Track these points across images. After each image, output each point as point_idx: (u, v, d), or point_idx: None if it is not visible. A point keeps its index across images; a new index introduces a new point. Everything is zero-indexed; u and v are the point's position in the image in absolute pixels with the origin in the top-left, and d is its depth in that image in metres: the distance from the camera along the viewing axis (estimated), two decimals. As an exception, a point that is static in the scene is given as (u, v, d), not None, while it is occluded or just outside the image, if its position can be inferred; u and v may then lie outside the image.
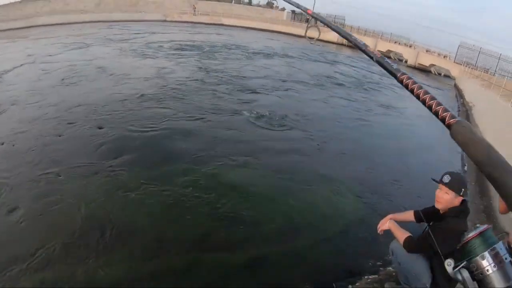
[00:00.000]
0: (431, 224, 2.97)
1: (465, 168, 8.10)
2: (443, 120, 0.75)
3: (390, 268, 3.82)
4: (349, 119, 10.67)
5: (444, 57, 34.98)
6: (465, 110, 15.61)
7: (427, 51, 36.60)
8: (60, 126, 7.15)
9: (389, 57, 37.84)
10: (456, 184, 2.75)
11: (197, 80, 12.20)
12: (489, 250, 0.82)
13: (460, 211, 2.77)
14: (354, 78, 18.40)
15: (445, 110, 0.75)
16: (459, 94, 20.58)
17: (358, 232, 4.68)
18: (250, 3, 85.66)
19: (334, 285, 3.53)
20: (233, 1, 78.27)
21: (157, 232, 4.30)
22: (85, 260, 3.76)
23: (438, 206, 2.87)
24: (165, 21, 39.56)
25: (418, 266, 2.92)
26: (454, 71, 29.48)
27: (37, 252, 3.78)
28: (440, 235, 2.72)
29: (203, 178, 5.60)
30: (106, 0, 47.15)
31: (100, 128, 7.10)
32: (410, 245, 2.91)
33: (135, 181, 5.30)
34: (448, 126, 0.73)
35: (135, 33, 24.79)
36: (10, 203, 4.59)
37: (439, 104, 0.78)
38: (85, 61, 14.00)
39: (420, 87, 0.86)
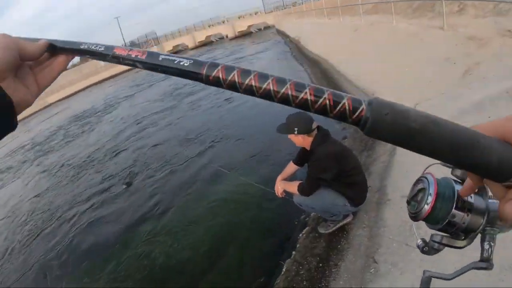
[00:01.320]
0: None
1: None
2: (341, 116, 0.37)
3: (311, 214, 3.94)
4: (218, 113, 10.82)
5: (255, 14, 37.38)
6: (295, 45, 16.84)
7: (239, 17, 38.64)
8: None
9: (210, 42, 39.52)
10: (285, 129, 2.95)
11: (54, 177, 10.55)
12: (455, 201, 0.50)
13: (321, 138, 2.92)
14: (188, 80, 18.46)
15: (316, 93, 0.36)
16: (284, 35, 22.19)
17: (269, 205, 4.72)
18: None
19: (281, 262, 3.53)
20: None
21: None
22: None
23: (301, 146, 3.11)
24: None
25: (327, 198, 3.08)
26: (270, 20, 31.70)
27: None
28: (317, 167, 2.90)
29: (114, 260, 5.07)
30: None
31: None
32: (304, 190, 3.04)
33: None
34: (356, 122, 0.37)
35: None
36: None
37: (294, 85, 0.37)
38: None
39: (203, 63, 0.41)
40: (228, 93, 12.13)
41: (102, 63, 49.99)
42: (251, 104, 9.92)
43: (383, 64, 7.00)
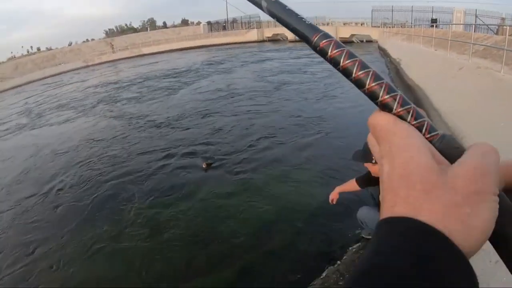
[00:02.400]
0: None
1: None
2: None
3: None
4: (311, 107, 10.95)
5: (361, 24, 36.97)
6: (394, 67, 16.55)
7: (344, 24, 38.47)
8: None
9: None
10: (363, 156, 2.84)
11: (124, 127, 10.50)
12: None
13: None
14: (291, 69, 18.78)
15: (404, 103, 0.36)
16: (384, 54, 21.81)
17: (329, 212, 4.63)
18: (165, 26, 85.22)
19: (326, 267, 3.60)
20: (149, 29, 77.59)
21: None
22: None
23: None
24: (87, 66, 37.95)
25: None
26: (374, 34, 31.16)
27: None
28: None
29: (162, 215, 5.40)
30: (22, 61, 45.15)
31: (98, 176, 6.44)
32: (362, 182, 3.10)
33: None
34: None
35: (53, 89, 22.90)
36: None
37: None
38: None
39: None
40: (335, 92, 12.41)
41: (202, 30, 52.15)
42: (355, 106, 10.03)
43: (478, 109, 6.83)
